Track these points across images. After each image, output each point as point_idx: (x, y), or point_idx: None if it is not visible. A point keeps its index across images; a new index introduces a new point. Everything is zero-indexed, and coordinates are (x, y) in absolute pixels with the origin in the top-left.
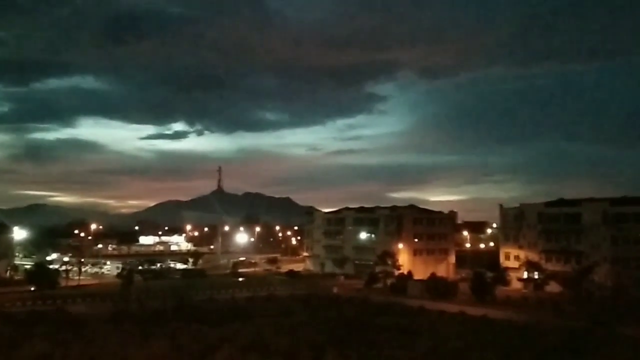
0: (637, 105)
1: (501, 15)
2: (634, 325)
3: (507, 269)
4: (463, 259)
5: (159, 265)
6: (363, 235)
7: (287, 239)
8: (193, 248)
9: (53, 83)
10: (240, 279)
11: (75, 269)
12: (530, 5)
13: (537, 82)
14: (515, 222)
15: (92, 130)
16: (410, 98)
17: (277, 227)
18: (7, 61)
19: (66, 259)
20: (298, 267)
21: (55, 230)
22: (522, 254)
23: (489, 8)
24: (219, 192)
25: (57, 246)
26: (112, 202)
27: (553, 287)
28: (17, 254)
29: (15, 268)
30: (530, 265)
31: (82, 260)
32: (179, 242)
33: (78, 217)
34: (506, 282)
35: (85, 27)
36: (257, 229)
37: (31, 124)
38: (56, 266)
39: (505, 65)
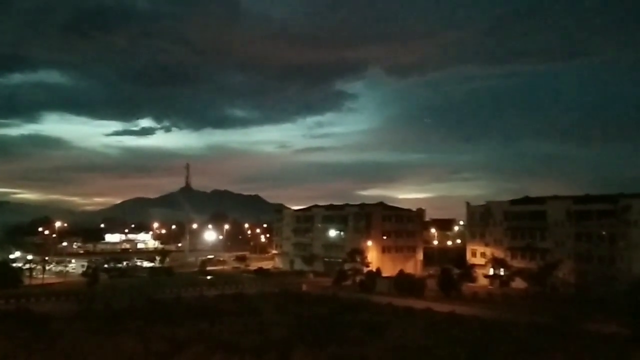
0: (602, 104)
1: (469, 15)
2: (596, 322)
3: (473, 265)
4: (431, 256)
5: (125, 263)
6: (332, 233)
7: (256, 236)
8: (160, 246)
9: (17, 78)
10: (209, 277)
11: (39, 267)
12: (497, 5)
13: (504, 82)
14: (482, 219)
15: (57, 126)
16: (379, 96)
17: (246, 225)
18: None
19: (30, 257)
20: (267, 264)
21: (19, 228)
22: (488, 251)
23: (458, 7)
24: (187, 190)
25: (21, 244)
26: (77, 200)
27: (518, 284)
28: None
29: None
30: (496, 262)
31: (47, 258)
32: (145, 240)
33: (42, 215)
34: (473, 279)
35: (51, 20)
36: (226, 226)
37: None
38: (20, 264)
39: (473, 64)
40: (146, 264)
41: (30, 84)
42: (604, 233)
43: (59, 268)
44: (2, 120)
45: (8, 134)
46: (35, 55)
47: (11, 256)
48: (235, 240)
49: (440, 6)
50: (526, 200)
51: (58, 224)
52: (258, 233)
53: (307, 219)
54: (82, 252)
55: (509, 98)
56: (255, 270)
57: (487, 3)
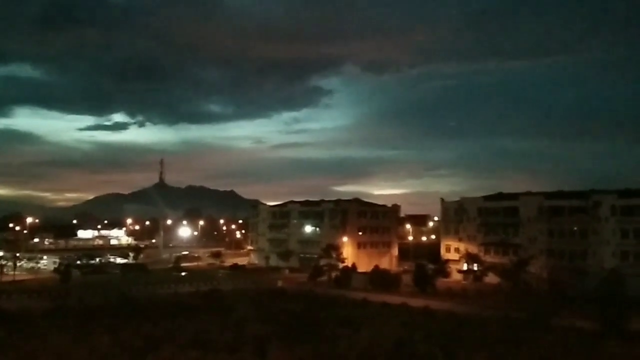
0: (576, 102)
1: (445, 12)
2: (568, 316)
3: (447, 261)
4: (406, 251)
5: (98, 259)
6: (308, 229)
7: (231, 232)
8: (134, 242)
9: None
10: (183, 274)
11: (10, 263)
12: (472, 2)
13: (479, 79)
14: (456, 215)
15: (28, 120)
16: (355, 92)
17: (221, 221)
18: None
19: (0, 253)
20: (242, 261)
21: None
22: (462, 247)
23: (434, 4)
24: (161, 185)
25: None
26: (49, 195)
27: (492, 279)
28: None
29: None
30: (469, 258)
31: (17, 254)
32: (119, 236)
33: (13, 211)
34: (447, 274)
35: (23, 12)
36: (201, 222)
37: None
38: None
39: (449, 61)
40: (119, 260)
41: (2, 77)
42: (575, 229)
43: (31, 265)
44: None
45: None
46: (7, 48)
47: None
48: (210, 236)
49: (416, 3)
50: (499, 196)
51: (29, 219)
52: (233, 229)
53: (283, 214)
54: (54, 248)
55: (484, 95)
56: (230, 267)
57: (463, 1)
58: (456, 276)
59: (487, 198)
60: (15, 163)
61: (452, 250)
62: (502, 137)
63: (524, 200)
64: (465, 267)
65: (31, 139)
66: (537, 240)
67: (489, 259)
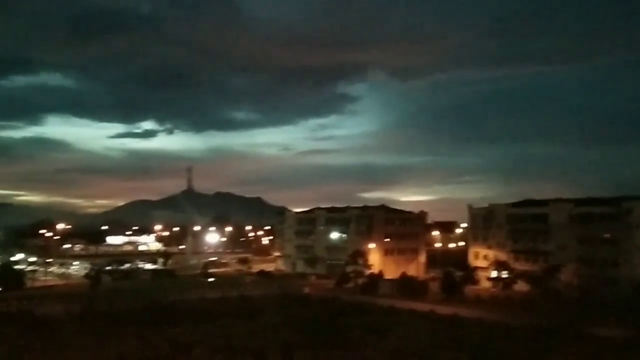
0: (604, 107)
1: (471, 17)
2: (599, 325)
3: (476, 268)
4: (433, 258)
5: (127, 265)
6: (334, 235)
7: (258, 239)
8: (162, 248)
9: (20, 80)
10: (211, 279)
11: (41, 269)
12: (499, 7)
13: (507, 84)
14: (484, 222)
15: (59, 128)
16: (382, 98)
17: (248, 227)
18: None
19: (33, 259)
20: (269, 267)
21: (22, 230)
22: (490, 254)
23: (461, 9)
24: (189, 192)
25: (24, 246)
26: (80, 202)
27: (521, 286)
28: None
29: None
30: (498, 265)
31: (49, 260)
32: (148, 242)
33: (45, 217)
34: (475, 281)
35: (54, 23)
36: (228, 229)
37: None
38: (22, 267)
39: (476, 66)
40: (148, 266)
41: (33, 86)
42: (606, 236)
43: (62, 270)
44: (5, 123)
45: (11, 137)
46: (39, 57)
47: (14, 258)
48: (237, 242)
49: (443, 8)
50: (528, 202)
51: (61, 226)
52: (260, 235)
53: (309, 221)
54: (84, 254)
55: (512, 100)
56: (257, 273)
57: (489, 5)
58: (485, 284)
59: (515, 205)
60: (47, 170)
61: (481, 257)
62: (530, 143)
63: (553, 207)
64: (494, 274)
65: (62, 146)
66: (567, 247)
67: (519, 266)
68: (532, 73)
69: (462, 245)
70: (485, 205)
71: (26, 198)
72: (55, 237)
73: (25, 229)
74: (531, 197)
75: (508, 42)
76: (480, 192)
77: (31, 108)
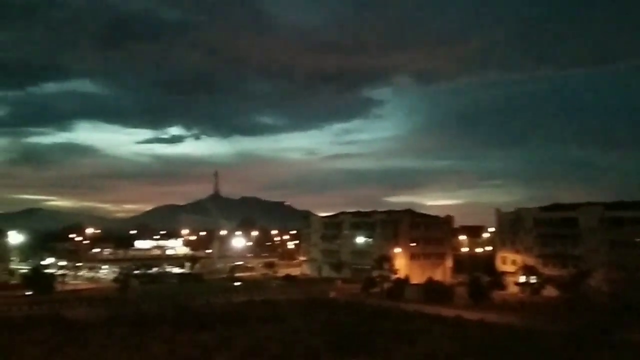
0: (631, 110)
1: (498, 20)
2: (631, 331)
3: (503, 273)
4: (460, 263)
5: (155, 269)
6: (360, 240)
7: (284, 243)
8: (190, 252)
9: (50, 87)
10: (237, 284)
11: (71, 273)
12: (526, 10)
13: (533, 87)
14: (512, 226)
15: (89, 134)
16: (406, 102)
17: (274, 231)
18: (5, 65)
19: (62, 263)
20: (295, 271)
21: (52, 234)
22: (518, 258)
23: (486, 13)
24: (216, 197)
25: (53, 250)
26: (108, 207)
27: (550, 292)
28: (13, 258)
29: (12, 272)
30: (526, 270)
31: (78, 264)
32: (175, 247)
33: (74, 222)
34: (503, 286)
35: (83, 31)
36: (254, 233)
37: (28, 128)
38: (52, 270)
39: (502, 70)
40: (176, 270)
41: (63, 93)
42: (637, 240)
43: (91, 274)
44: (36, 129)
45: (41, 142)
46: (68, 64)
47: (44, 262)
48: (263, 246)
49: (468, 12)
50: (557, 207)
51: (90, 230)
52: (286, 240)
53: (335, 225)
54: (113, 258)
55: (537, 103)
56: (283, 277)
57: (513, 9)
58: (513, 289)
59: (544, 209)
60: (76, 175)
61: (509, 262)
62: (557, 146)
63: (583, 211)
64: (522, 279)
65: (92, 152)
66: (597, 252)
67: (547, 271)
68: (557, 75)
69: (490, 250)
70: (513, 209)
71: (56, 203)
72: (84, 242)
73: (55, 234)
74: (558, 200)
75: (532, 44)
76: (507, 196)
77: (61, 114)
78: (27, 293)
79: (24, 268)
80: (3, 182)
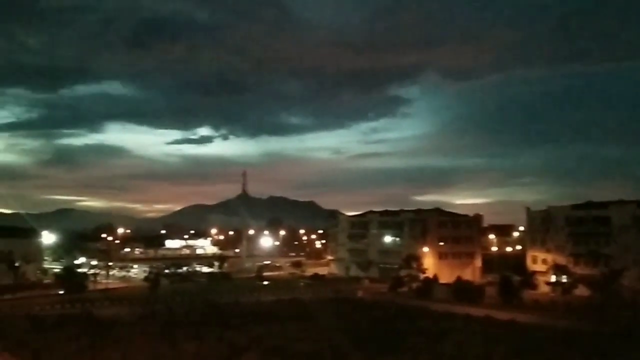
0: None
1: (527, 17)
2: None
3: (534, 272)
4: (489, 262)
5: (185, 268)
6: (388, 239)
7: (311, 242)
8: (218, 252)
9: (81, 89)
10: (265, 283)
11: (103, 272)
12: (556, 6)
13: (563, 84)
14: (543, 225)
15: (119, 135)
16: (434, 101)
17: (302, 231)
18: (37, 68)
19: (94, 262)
20: (323, 270)
21: (84, 234)
22: (549, 257)
23: (515, 9)
24: (244, 196)
25: (85, 250)
26: (139, 207)
27: (582, 291)
28: (46, 258)
29: (45, 271)
30: (558, 269)
31: (110, 264)
32: (204, 246)
33: (105, 222)
34: (534, 286)
35: (113, 34)
36: (282, 232)
37: (60, 129)
38: (84, 270)
39: (532, 66)
40: (205, 269)
41: (94, 95)
42: None
43: (122, 273)
44: (68, 131)
45: (73, 144)
46: (98, 67)
47: (76, 262)
48: (291, 246)
49: (499, 7)
50: (589, 205)
51: (121, 230)
52: (313, 239)
53: (362, 225)
54: (143, 257)
55: (568, 100)
56: (311, 276)
57: (545, 3)
58: (543, 288)
59: (575, 207)
60: (107, 176)
61: (539, 261)
62: (589, 143)
63: (615, 209)
64: (553, 278)
65: (122, 153)
66: (630, 250)
67: (579, 270)
68: (589, 71)
69: (520, 249)
70: (543, 207)
71: (88, 203)
72: (115, 241)
73: (87, 234)
74: (590, 198)
75: (564, 40)
76: (537, 194)
77: (92, 116)
78: (59, 292)
79: (56, 267)
80: (36, 183)
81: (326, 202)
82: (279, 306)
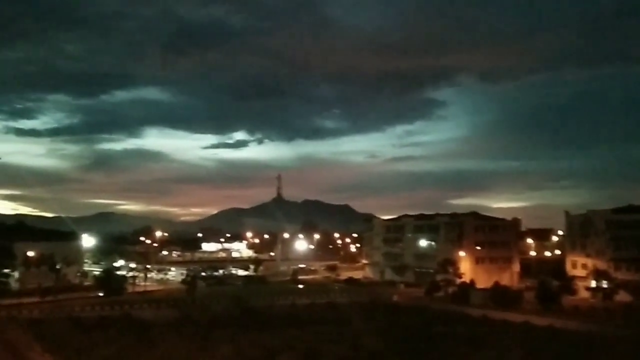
0: None
1: (563, 17)
2: None
3: (574, 277)
4: (527, 267)
5: (221, 271)
6: (423, 243)
7: (346, 246)
8: (254, 255)
9: (120, 95)
10: (300, 286)
11: (141, 275)
12: (593, 5)
13: (602, 84)
14: (582, 229)
15: (157, 140)
16: (470, 103)
17: (336, 235)
18: (77, 74)
19: (133, 265)
20: (357, 274)
21: (123, 237)
22: (589, 262)
23: (551, 9)
24: (279, 200)
25: (124, 253)
26: (176, 210)
27: (623, 297)
28: (86, 261)
29: (85, 274)
30: (598, 274)
31: (148, 266)
32: (240, 249)
33: (144, 225)
34: (573, 291)
35: (151, 40)
36: (316, 236)
37: (100, 135)
38: (123, 272)
39: (570, 67)
40: (241, 272)
41: (133, 100)
42: None
43: (160, 276)
44: (108, 136)
45: (113, 149)
46: (137, 73)
47: (115, 264)
48: (325, 249)
49: (536, 8)
50: (630, 208)
51: (159, 233)
52: (348, 243)
53: (398, 228)
54: (181, 260)
55: (608, 101)
56: (345, 280)
57: (582, 2)
58: (583, 294)
59: (616, 211)
60: (145, 180)
61: (579, 266)
62: (630, 146)
63: None
64: (593, 284)
65: (160, 157)
66: None
67: (620, 275)
68: (629, 72)
69: (559, 254)
70: (583, 211)
71: (126, 207)
72: (153, 244)
73: (125, 237)
74: (630, 202)
75: (603, 40)
76: (577, 198)
77: (131, 121)
78: (99, 294)
79: (96, 270)
80: (77, 187)
81: (361, 205)
82: (314, 310)
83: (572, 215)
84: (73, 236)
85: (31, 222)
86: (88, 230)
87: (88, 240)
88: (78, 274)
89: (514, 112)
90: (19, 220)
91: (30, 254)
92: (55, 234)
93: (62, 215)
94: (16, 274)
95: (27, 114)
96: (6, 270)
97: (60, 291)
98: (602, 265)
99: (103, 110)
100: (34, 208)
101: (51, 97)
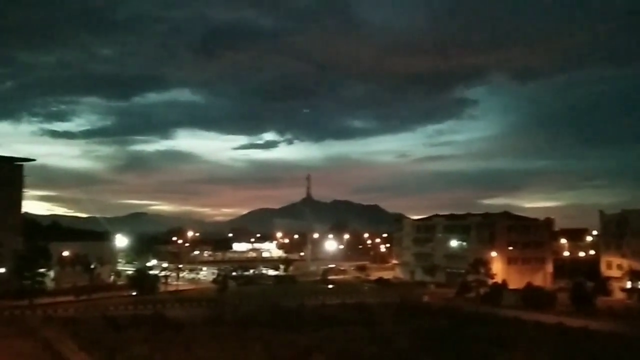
0: None
1: (596, 14)
2: None
3: (608, 278)
4: (561, 268)
5: (251, 271)
6: (454, 243)
7: (376, 246)
8: (284, 255)
9: (152, 97)
10: (330, 286)
11: (173, 274)
12: (625, 3)
13: (635, 82)
14: (618, 229)
15: (188, 141)
16: (501, 102)
17: (366, 235)
18: (110, 77)
19: (165, 265)
20: (387, 274)
21: (155, 237)
22: (625, 263)
23: (583, 7)
24: (308, 200)
25: (157, 253)
26: (207, 210)
27: None
28: (119, 260)
29: (118, 273)
30: (634, 275)
31: (180, 266)
32: (270, 249)
33: (176, 225)
34: (608, 292)
35: (181, 43)
36: (346, 236)
37: (133, 136)
38: (156, 272)
39: (603, 65)
40: (271, 272)
41: (165, 102)
42: None
43: (192, 275)
44: (141, 137)
45: (146, 150)
46: (169, 75)
47: (148, 264)
48: (355, 249)
49: (565, 7)
50: None
51: (190, 233)
52: (378, 243)
53: (428, 228)
54: (212, 260)
55: None
56: (375, 280)
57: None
58: (619, 295)
59: None
60: (177, 181)
61: (614, 266)
62: None
63: None
64: (628, 285)
65: (191, 158)
66: None
67: None
68: None
69: (593, 254)
70: (618, 210)
71: (159, 207)
72: (185, 244)
73: (158, 237)
74: None
75: (634, 38)
76: (612, 197)
77: (163, 123)
78: (132, 293)
79: (129, 270)
80: (110, 188)
81: (390, 205)
82: (344, 310)
83: (606, 214)
84: (107, 236)
85: (66, 223)
86: (121, 230)
87: (121, 240)
88: (112, 274)
89: (546, 111)
90: (54, 221)
91: (65, 253)
92: (90, 234)
93: (96, 215)
94: (52, 274)
95: (62, 117)
96: (42, 270)
97: (94, 290)
98: (638, 265)
99: (136, 112)
100: (69, 209)
101: (85, 99)
